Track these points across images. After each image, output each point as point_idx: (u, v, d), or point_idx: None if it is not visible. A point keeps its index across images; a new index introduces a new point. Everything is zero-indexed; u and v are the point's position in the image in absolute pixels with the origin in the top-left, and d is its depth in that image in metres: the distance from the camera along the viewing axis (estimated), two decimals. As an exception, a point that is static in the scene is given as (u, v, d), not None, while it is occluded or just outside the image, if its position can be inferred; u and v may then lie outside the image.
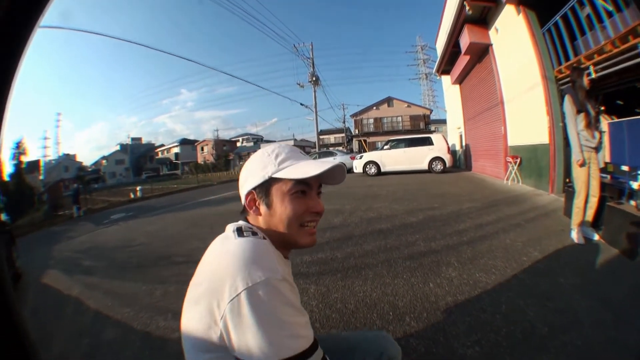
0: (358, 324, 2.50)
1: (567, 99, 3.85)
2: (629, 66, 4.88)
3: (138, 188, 19.65)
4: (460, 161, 17.64)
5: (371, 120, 39.50)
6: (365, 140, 37.02)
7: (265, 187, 0.95)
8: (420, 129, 35.47)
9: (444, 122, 26.12)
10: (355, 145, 38.30)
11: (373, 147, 25.65)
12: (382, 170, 15.71)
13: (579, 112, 3.77)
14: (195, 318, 0.77)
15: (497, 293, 2.82)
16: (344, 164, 1.03)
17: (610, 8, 4.94)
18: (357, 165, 16.42)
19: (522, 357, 1.99)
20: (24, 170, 22.68)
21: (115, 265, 4.90)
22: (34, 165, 36.25)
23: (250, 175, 0.97)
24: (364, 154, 16.84)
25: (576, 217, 3.90)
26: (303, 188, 0.95)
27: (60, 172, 45.69)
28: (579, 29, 5.94)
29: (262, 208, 0.96)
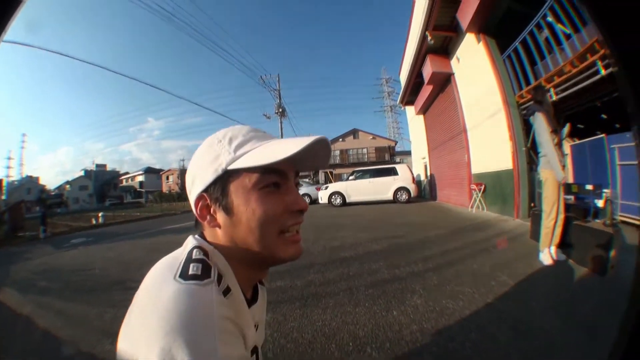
0: (315, 355, 2.23)
1: (542, 117, 3.73)
2: (588, 86, 4.99)
3: (100, 214, 19.38)
4: (426, 191, 17.84)
5: (337, 152, 39.92)
6: (331, 172, 37.14)
7: (220, 186, 0.67)
8: (385, 161, 35.95)
9: (409, 153, 26.59)
10: (321, 177, 38.33)
11: (339, 178, 25.82)
12: (348, 200, 15.66)
13: (553, 131, 3.70)
14: (123, 352, 0.55)
15: (466, 320, 2.65)
16: (327, 139, 0.68)
17: (568, 31, 5.05)
18: (323, 196, 16.32)
19: None
20: (-15, 188, 21.79)
21: (70, 288, 4.71)
22: (-5, 183, 35.02)
23: (198, 173, 0.70)
24: (330, 185, 16.83)
25: (546, 239, 3.81)
26: (275, 179, 0.67)
27: (22, 194, 44.96)
28: (538, 53, 6.14)
29: (220, 216, 0.68)
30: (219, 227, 0.69)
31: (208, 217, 0.69)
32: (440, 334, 2.44)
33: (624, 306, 0.54)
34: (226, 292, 0.61)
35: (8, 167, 48.62)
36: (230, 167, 0.66)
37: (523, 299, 2.97)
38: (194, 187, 0.70)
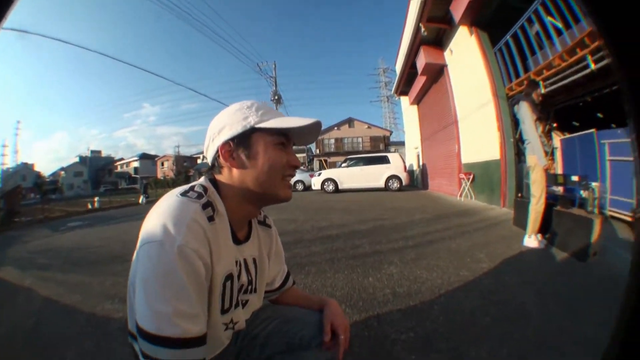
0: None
1: (526, 105, 3.85)
2: (578, 80, 5.09)
3: (96, 199, 19.37)
4: (418, 180, 17.99)
5: (332, 141, 39.80)
6: (326, 160, 37.14)
7: (246, 138, 0.91)
8: (380, 150, 35.83)
9: (403, 144, 26.54)
10: (316, 164, 38.32)
11: (333, 167, 25.90)
12: (340, 187, 15.78)
13: (538, 119, 3.81)
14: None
15: (438, 287, 2.83)
16: (321, 122, 0.97)
17: (560, 25, 5.13)
18: (315, 183, 16.46)
19: (460, 344, 1.92)
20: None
21: (71, 262, 4.83)
22: (-11, 172, 34.48)
23: (227, 125, 0.92)
24: (323, 172, 16.98)
25: (535, 223, 3.86)
26: (283, 140, 0.94)
27: (17, 181, 43.65)
28: (529, 48, 6.22)
29: (242, 159, 0.91)
30: (237, 167, 0.91)
31: (230, 160, 0.91)
32: (411, 297, 2.62)
33: (616, 302, 0.55)
34: (210, 219, 0.83)
35: (2, 155, 48.30)
36: (257, 126, 0.90)
37: (496, 274, 3.09)
38: (220, 136, 0.92)
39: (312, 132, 0.98)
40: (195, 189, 0.87)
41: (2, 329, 2.64)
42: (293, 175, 0.98)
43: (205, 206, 0.83)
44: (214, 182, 0.94)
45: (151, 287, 0.71)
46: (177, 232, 0.73)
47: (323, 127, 1.01)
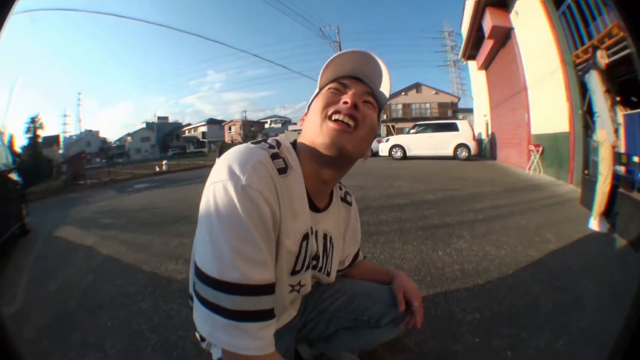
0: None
1: (596, 75, 3.61)
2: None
3: (164, 162, 19.98)
4: (486, 150, 17.03)
5: (399, 106, 38.66)
6: (393, 126, 36.26)
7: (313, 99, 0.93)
8: (448, 117, 34.20)
9: (471, 111, 25.23)
10: (383, 130, 37.66)
11: (401, 133, 25.38)
12: (408, 154, 15.46)
13: (607, 90, 3.57)
14: None
15: (506, 267, 2.76)
16: (371, 54, 0.90)
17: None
18: (383, 149, 16.24)
19: (522, 330, 1.90)
20: (41, 144, 23.29)
21: (136, 222, 5.03)
22: (52, 139, 36.22)
23: None
24: (390, 137, 16.84)
25: (600, 205, 3.64)
26: (337, 87, 0.90)
27: (82, 147, 45.35)
28: (589, 13, 5.68)
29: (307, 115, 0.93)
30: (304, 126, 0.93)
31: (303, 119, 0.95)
32: (479, 275, 2.58)
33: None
34: (281, 171, 0.81)
35: (65, 124, 51.18)
36: (319, 84, 0.93)
37: (561, 258, 2.96)
38: None
39: (365, 66, 0.91)
40: (268, 141, 0.86)
41: (57, 284, 2.78)
42: (345, 115, 0.84)
43: (274, 156, 0.81)
44: (295, 144, 0.93)
45: (214, 228, 0.69)
46: (241, 172, 0.71)
47: (390, 93, 0.96)
